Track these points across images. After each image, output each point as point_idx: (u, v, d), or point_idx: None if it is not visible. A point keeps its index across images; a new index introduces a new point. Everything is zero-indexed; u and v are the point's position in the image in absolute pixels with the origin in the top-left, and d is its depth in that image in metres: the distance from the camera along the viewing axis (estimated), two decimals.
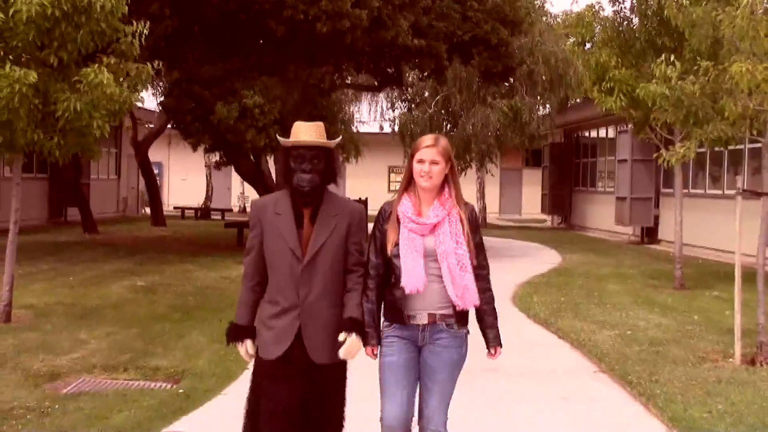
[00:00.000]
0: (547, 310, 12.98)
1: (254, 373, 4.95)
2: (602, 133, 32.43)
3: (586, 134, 34.81)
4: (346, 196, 30.63)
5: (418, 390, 4.86)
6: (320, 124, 4.98)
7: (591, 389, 8.54)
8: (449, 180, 4.89)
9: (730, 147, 16.98)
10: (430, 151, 4.79)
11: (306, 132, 4.88)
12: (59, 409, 7.24)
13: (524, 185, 47.13)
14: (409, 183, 4.91)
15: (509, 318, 12.05)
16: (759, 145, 10.97)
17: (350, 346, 4.75)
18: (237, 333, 4.94)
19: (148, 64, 11.67)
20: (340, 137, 5.31)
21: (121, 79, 11.29)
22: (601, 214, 31.07)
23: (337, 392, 4.90)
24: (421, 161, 4.80)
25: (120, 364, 8.99)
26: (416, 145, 4.88)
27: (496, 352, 4.94)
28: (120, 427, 6.85)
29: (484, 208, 37.36)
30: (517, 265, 19.36)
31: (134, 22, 11.33)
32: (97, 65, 10.81)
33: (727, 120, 10.20)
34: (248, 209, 34.97)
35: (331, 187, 4.98)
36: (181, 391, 7.99)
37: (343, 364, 4.87)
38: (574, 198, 35.38)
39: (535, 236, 29.51)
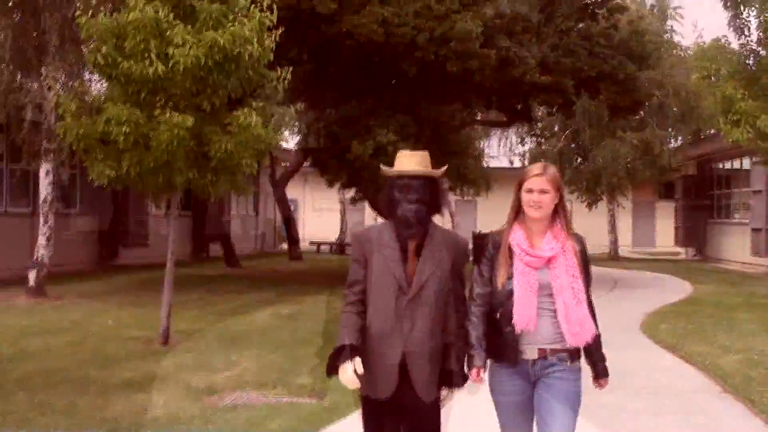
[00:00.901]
0: (674, 336, 13.22)
1: (364, 412, 4.84)
2: (736, 164, 32.07)
3: (720, 165, 34.42)
4: (478, 230, 31.38)
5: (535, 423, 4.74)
6: (425, 152, 4.80)
7: (713, 407, 8.88)
8: (559, 210, 4.71)
9: None
10: (538, 180, 4.63)
11: (411, 161, 4.72)
12: (219, 418, 8.08)
13: (657, 218, 46.56)
14: (517, 214, 4.74)
15: (636, 343, 12.44)
16: None
17: (449, 398, 4.76)
18: (346, 353, 4.61)
19: (291, 106, 12.58)
20: (446, 166, 5.04)
21: (266, 121, 12.23)
22: (737, 246, 30.66)
23: (438, 425, 4.79)
24: (530, 191, 4.63)
25: (269, 382, 9.76)
26: (524, 174, 4.72)
27: (604, 384, 4.85)
28: None
29: (615, 241, 37.15)
30: (648, 296, 19.51)
31: (278, 68, 12.24)
32: (246, 108, 11.74)
33: None
34: None
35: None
36: (327, 405, 8.72)
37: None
38: (709, 230, 34.90)
39: (667, 268, 29.33)
